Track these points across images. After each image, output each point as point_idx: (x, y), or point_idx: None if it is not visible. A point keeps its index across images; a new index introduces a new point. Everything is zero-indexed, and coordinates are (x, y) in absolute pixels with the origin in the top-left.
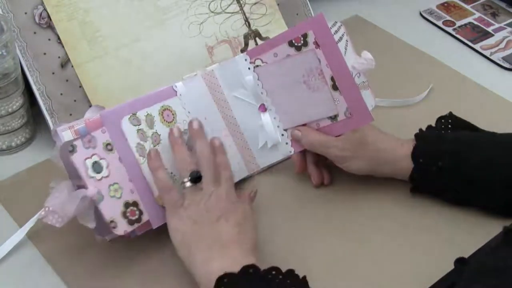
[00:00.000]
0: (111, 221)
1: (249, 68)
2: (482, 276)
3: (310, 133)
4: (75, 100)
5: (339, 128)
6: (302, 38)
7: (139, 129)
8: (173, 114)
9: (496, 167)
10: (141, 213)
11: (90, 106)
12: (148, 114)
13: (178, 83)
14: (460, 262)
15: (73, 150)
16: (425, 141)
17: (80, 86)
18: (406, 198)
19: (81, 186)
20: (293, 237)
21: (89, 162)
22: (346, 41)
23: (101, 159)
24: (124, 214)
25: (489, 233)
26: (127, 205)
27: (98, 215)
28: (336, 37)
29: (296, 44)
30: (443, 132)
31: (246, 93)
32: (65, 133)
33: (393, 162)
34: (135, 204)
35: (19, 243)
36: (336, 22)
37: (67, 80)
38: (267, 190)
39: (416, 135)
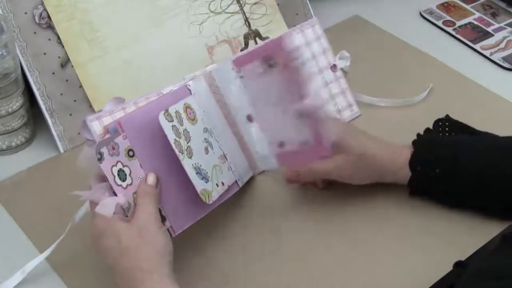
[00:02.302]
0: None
1: (234, 77)
2: (480, 281)
3: (305, 169)
4: (75, 100)
5: (299, 157)
6: (272, 58)
7: (173, 125)
8: (193, 112)
9: (493, 171)
10: (163, 219)
11: (90, 106)
12: (176, 111)
13: (190, 82)
14: (458, 265)
15: (101, 158)
16: (423, 147)
17: (80, 86)
18: (406, 199)
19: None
20: (293, 238)
21: (115, 170)
22: (323, 42)
23: (124, 166)
24: None
25: (488, 235)
26: None
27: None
28: (311, 38)
29: (269, 62)
30: (440, 135)
31: (232, 101)
32: (94, 124)
33: (393, 172)
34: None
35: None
36: (312, 19)
37: (67, 80)
38: (267, 191)
39: (414, 142)
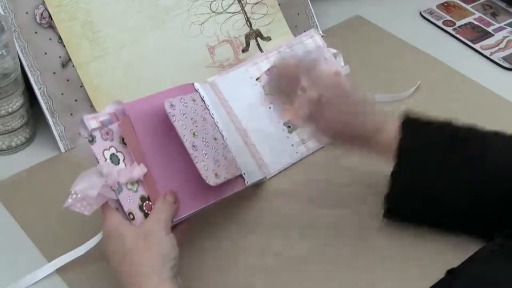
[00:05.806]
0: (130, 213)
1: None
2: (475, 287)
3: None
4: (76, 100)
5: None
6: None
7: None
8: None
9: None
10: None
11: (91, 106)
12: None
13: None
14: (451, 273)
15: (92, 140)
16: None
17: (81, 86)
18: None
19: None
20: (295, 240)
21: (107, 154)
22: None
23: (117, 152)
24: (140, 208)
25: (480, 243)
26: (143, 199)
27: (119, 205)
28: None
29: None
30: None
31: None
32: (91, 122)
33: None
34: (149, 198)
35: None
36: (310, 30)
37: (68, 80)
38: (275, 193)
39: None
